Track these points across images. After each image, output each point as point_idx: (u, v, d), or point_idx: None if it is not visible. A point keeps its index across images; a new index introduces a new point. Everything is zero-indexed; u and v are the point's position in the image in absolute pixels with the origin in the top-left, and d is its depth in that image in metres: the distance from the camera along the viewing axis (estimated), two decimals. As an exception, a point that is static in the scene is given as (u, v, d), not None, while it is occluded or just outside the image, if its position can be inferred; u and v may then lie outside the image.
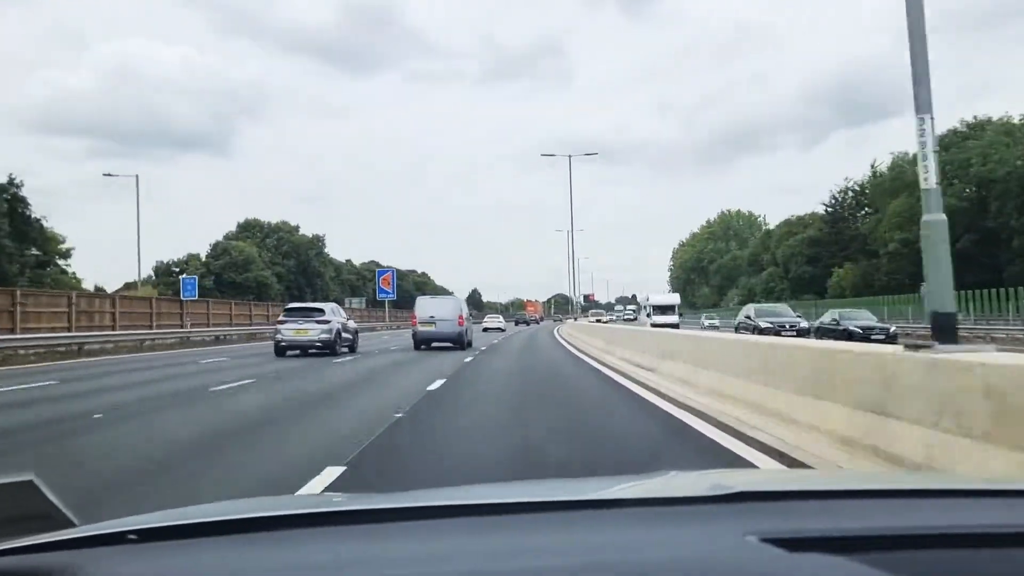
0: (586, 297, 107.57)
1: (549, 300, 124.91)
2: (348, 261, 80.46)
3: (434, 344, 18.76)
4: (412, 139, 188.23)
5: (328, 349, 16.31)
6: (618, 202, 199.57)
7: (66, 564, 0.71)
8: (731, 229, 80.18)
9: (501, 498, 1.02)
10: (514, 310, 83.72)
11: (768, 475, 2.45)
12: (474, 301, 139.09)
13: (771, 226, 78.49)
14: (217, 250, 58.74)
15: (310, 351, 16.30)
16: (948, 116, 46.62)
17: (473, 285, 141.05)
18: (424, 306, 19.09)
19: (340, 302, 40.61)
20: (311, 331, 16.20)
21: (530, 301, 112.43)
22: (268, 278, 57.96)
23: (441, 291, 66.72)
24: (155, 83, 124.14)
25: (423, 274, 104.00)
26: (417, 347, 18.52)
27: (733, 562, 0.71)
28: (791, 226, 59.60)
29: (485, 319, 50.29)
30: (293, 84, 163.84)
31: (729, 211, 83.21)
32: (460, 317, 18.58)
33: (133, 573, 0.71)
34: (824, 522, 0.81)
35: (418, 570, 0.71)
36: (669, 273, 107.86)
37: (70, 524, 0.80)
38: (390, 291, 51.95)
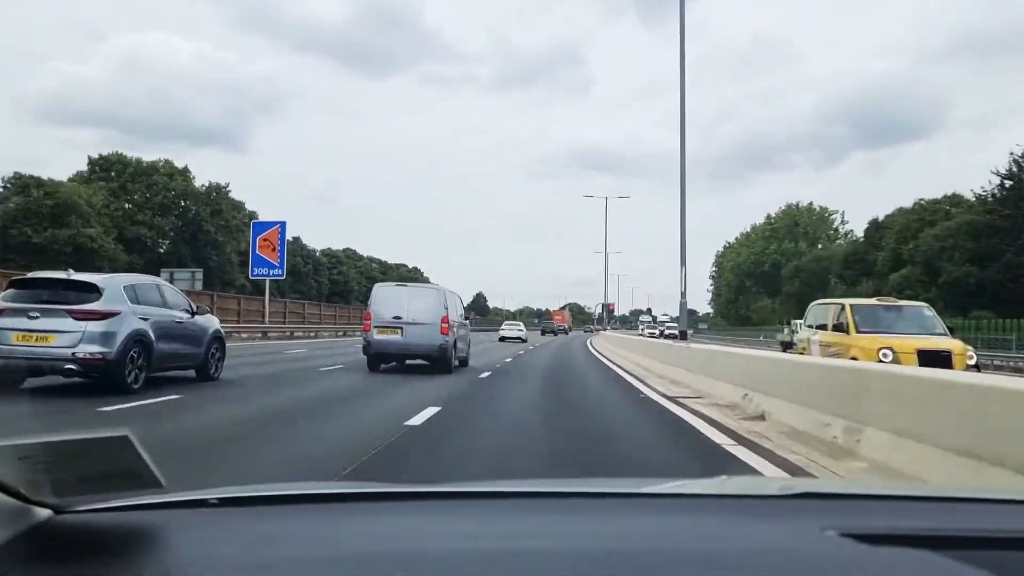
0: (606, 307, 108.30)
1: (563, 308, 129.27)
2: (296, 239, 71.27)
3: (406, 361, 14.35)
4: (423, 142, 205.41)
5: (105, 375, 8.46)
6: (631, 214, 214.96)
7: (154, 523, 0.91)
8: (800, 226, 73.64)
9: (563, 487, 1.25)
10: (522, 318, 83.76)
11: (827, 480, 3.13)
12: (479, 307, 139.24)
13: (848, 223, 72.46)
14: (12, 187, 41.07)
15: (66, 376, 8.37)
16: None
17: (479, 291, 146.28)
18: (385, 300, 13.93)
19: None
20: (57, 336, 8.25)
21: (556, 310, 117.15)
22: (100, 239, 41.64)
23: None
24: (169, 76, 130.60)
25: (414, 269, 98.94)
26: (373, 367, 13.76)
27: (816, 555, 0.82)
28: (924, 211, 48.79)
29: (503, 326, 47.46)
30: (307, 82, 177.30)
31: (796, 205, 76.95)
32: (444, 319, 13.62)
33: (212, 534, 0.92)
34: (897, 520, 0.95)
35: (461, 545, 0.87)
36: (712, 280, 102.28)
37: (157, 483, 0.92)
38: (277, 265, 33.41)
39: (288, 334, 32.30)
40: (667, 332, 60.10)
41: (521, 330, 45.56)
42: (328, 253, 73.98)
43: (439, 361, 13.72)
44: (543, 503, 1.11)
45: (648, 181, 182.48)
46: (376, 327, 13.70)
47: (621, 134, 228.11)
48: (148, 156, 55.66)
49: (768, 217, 78.54)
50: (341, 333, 40.03)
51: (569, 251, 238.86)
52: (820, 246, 72.77)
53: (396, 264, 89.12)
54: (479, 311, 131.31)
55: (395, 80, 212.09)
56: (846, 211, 75.30)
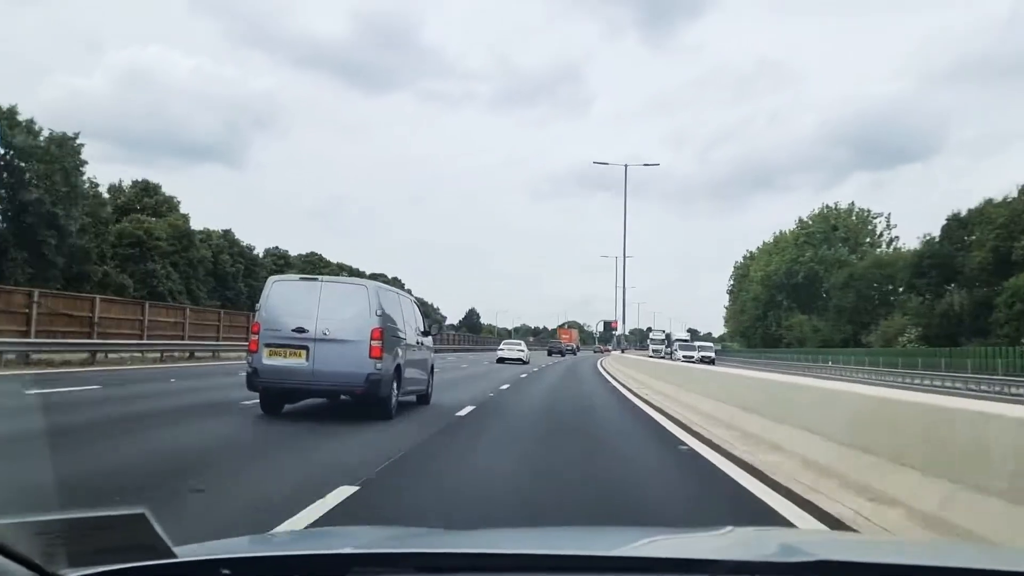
0: (607, 325, 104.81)
1: (563, 326, 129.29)
2: (228, 231, 60.67)
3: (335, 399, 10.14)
4: (423, 159, 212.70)
5: None
6: (633, 232, 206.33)
7: None
8: (839, 230, 68.38)
9: (555, 549, 1.39)
10: (518, 336, 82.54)
11: (837, 540, 2.61)
12: (471, 323, 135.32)
13: (896, 226, 67.43)
14: None
15: None
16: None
17: (471, 307, 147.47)
18: (283, 303, 9.47)
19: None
20: None
21: (563, 328, 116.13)
22: None
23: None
24: (168, 91, 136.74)
25: (394, 279, 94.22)
26: (268, 407, 9.63)
27: None
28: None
29: (502, 345, 43.49)
30: (306, 99, 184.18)
31: (834, 206, 71.91)
32: (376, 333, 9.30)
33: None
34: None
35: None
36: (729, 296, 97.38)
37: (170, 555, 0.99)
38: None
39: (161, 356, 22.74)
40: (703, 356, 52.75)
41: (522, 351, 41.30)
42: (275, 253, 68.58)
43: (368, 400, 8.94)
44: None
45: (648, 200, 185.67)
46: (267, 345, 8.90)
47: (622, 152, 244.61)
48: (144, 170, 49.22)
49: (800, 221, 73.31)
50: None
51: (568, 270, 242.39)
52: (862, 253, 67.57)
53: (375, 274, 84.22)
54: (471, 328, 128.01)
55: (395, 97, 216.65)
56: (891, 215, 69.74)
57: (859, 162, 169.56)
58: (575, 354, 77.05)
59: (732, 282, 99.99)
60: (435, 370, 12.86)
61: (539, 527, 3.87)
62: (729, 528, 1.95)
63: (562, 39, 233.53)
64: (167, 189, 54.46)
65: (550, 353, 67.80)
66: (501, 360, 38.71)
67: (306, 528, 3.97)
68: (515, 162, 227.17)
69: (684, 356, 49.46)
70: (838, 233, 68.47)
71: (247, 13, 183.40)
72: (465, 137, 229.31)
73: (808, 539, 2.28)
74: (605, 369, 32.95)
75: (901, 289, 52.58)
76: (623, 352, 53.86)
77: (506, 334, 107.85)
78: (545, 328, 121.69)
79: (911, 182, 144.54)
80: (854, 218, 69.26)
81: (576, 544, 1.69)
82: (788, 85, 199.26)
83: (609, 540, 1.85)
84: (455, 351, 63.88)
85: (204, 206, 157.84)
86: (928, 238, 52.02)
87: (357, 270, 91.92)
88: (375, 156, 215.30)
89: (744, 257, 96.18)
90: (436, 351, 15.39)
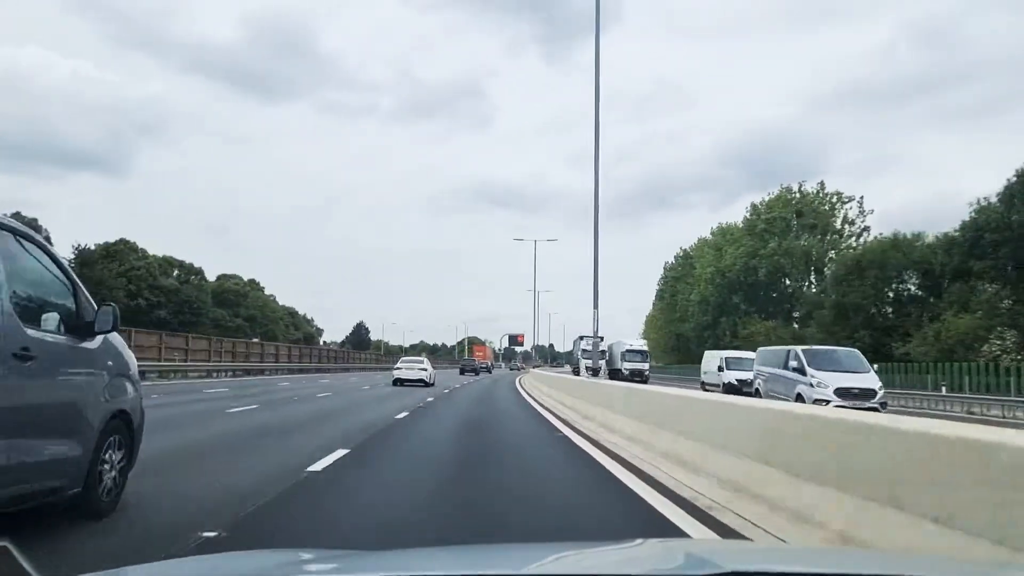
0: (512, 339, 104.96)
1: (461, 343, 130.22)
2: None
3: None
4: (322, 172, 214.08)
5: None
6: (539, 250, 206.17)
7: None
8: (807, 216, 61.56)
9: (477, 569, 1.40)
10: (414, 354, 75.07)
11: (740, 550, 2.73)
12: (358, 339, 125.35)
13: (872, 212, 61.47)
14: None
15: None
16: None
17: (364, 323, 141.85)
18: None
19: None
20: None
21: (478, 343, 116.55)
22: None
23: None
24: (41, 95, 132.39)
25: (250, 281, 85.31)
26: None
27: None
28: None
29: (399, 364, 36.34)
30: (196, 106, 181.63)
31: (798, 188, 65.43)
32: None
33: None
34: None
35: None
36: (658, 301, 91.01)
37: None
38: None
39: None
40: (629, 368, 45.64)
41: (424, 369, 35.18)
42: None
43: None
44: None
45: (551, 217, 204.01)
46: None
47: (524, 169, 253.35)
48: (17, 179, 38.16)
49: (752, 207, 67.04)
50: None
51: (469, 286, 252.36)
52: (831, 243, 61.38)
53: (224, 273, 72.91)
54: (358, 344, 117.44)
55: (292, 107, 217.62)
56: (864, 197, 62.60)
57: (751, 183, 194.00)
58: (490, 372, 76.12)
59: (660, 286, 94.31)
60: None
61: (447, 546, 3.97)
62: (639, 540, 2.22)
63: (463, 54, 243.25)
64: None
65: (463, 372, 65.84)
66: (399, 382, 33.32)
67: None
68: (415, 178, 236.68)
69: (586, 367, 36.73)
70: (803, 221, 61.95)
71: (131, 15, 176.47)
72: (365, 150, 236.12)
73: (711, 549, 2.65)
74: (522, 385, 29.90)
75: (945, 279, 42.46)
76: (538, 371, 49.89)
77: (399, 351, 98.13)
78: (444, 345, 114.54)
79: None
80: (822, 203, 62.59)
81: (487, 563, 1.72)
82: (685, 106, 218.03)
83: (520, 557, 1.98)
84: (331, 372, 56.13)
85: (85, 216, 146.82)
86: (985, 203, 41.00)
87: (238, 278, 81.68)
88: (270, 167, 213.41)
89: (677, 257, 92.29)
90: (292, 374, 6.51)
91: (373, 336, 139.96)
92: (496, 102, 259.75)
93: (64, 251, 57.16)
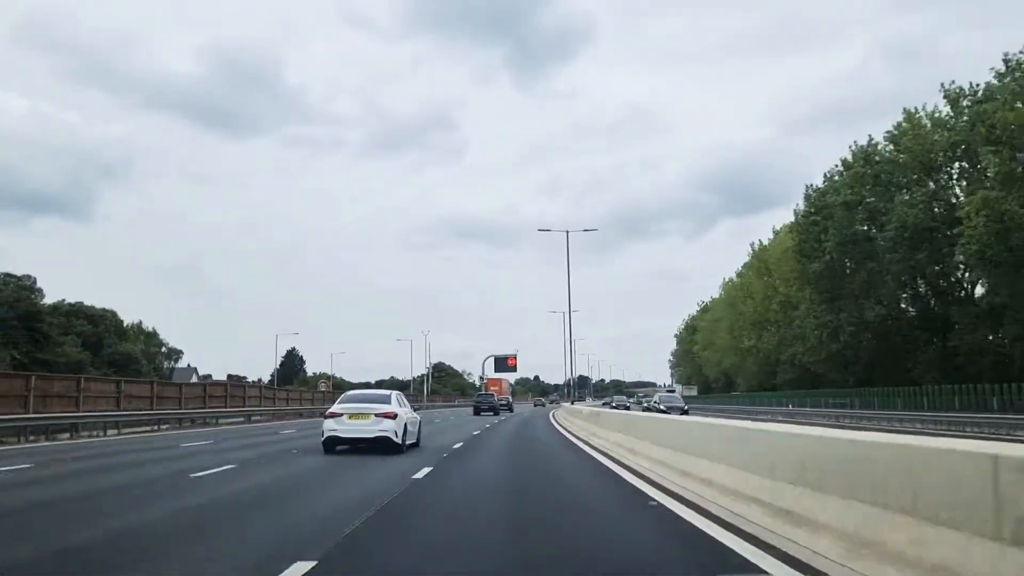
0: (500, 362, 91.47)
1: (423, 377, 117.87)
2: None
3: None
4: (288, 209, 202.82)
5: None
6: (512, 283, 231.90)
7: None
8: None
9: None
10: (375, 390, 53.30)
11: None
12: (288, 371, 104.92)
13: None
14: None
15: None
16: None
17: (296, 350, 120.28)
18: None
19: None
20: None
21: (492, 378, 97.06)
22: None
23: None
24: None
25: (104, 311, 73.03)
26: None
27: None
28: None
29: (338, 406, 17.67)
30: (158, 143, 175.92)
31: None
32: None
33: None
34: None
35: None
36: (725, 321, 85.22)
37: None
38: None
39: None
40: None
41: (388, 416, 16.37)
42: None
43: None
44: None
45: (522, 251, 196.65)
46: None
47: (495, 202, 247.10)
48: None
49: (843, 168, 52.00)
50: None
51: (443, 322, 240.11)
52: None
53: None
54: (286, 379, 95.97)
55: (257, 142, 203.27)
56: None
57: (726, 208, 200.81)
58: (511, 410, 62.39)
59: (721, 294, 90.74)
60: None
61: None
62: None
63: (431, 84, 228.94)
64: None
65: (477, 411, 52.52)
66: (332, 445, 16.14)
67: None
68: (384, 212, 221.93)
69: None
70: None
71: (86, 48, 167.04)
72: (332, 186, 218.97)
73: None
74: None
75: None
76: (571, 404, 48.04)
77: (349, 387, 79.72)
78: (500, 378, 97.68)
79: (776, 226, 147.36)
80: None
81: None
82: (658, 133, 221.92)
83: None
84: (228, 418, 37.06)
85: (48, 263, 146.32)
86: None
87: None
88: (235, 206, 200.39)
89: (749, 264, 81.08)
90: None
91: (310, 368, 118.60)
92: (466, 133, 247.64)
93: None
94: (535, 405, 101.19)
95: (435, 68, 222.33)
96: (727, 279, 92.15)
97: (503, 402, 62.93)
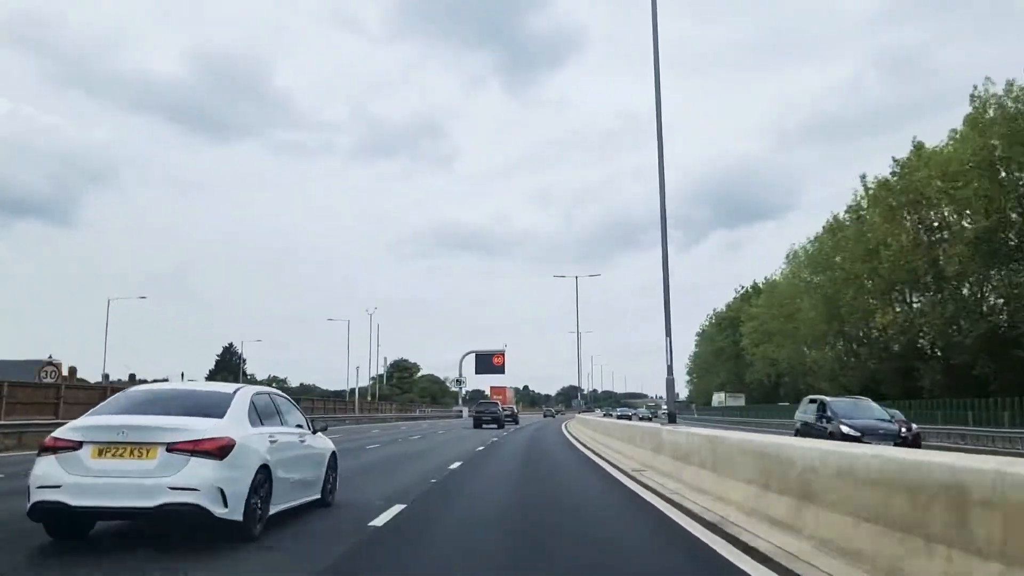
0: (483, 359, 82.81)
1: (379, 377, 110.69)
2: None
3: None
4: (275, 215, 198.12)
5: None
6: (505, 293, 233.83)
7: None
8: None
9: None
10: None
11: None
12: (224, 365, 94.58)
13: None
14: None
15: None
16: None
17: (232, 345, 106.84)
18: None
19: None
20: None
21: (495, 387, 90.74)
22: None
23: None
24: None
25: None
26: None
27: None
28: None
29: (88, 414, 7.33)
30: (143, 148, 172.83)
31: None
32: None
33: None
34: None
35: None
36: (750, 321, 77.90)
37: None
38: None
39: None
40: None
41: (212, 454, 6.44)
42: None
43: None
44: None
45: (514, 261, 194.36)
46: None
47: (487, 211, 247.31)
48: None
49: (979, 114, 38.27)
50: None
51: (430, 337, 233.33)
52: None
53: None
54: (214, 377, 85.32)
55: (243, 147, 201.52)
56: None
57: (720, 220, 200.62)
58: (516, 423, 56.33)
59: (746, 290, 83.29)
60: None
61: None
62: None
63: (421, 92, 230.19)
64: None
65: (478, 424, 46.73)
66: (43, 517, 6.39)
67: None
68: (374, 220, 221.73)
69: None
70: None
71: (68, 51, 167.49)
72: (322, 194, 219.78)
73: None
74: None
75: None
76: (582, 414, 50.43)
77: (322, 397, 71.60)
78: (505, 386, 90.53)
79: (767, 238, 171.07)
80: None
81: None
82: (650, 143, 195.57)
83: None
84: None
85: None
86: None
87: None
88: (222, 212, 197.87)
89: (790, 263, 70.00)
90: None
91: (251, 367, 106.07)
92: (457, 140, 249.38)
93: None
94: (544, 416, 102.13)
95: (425, 74, 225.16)
96: (793, 248, 70.31)
97: (507, 413, 55.07)
